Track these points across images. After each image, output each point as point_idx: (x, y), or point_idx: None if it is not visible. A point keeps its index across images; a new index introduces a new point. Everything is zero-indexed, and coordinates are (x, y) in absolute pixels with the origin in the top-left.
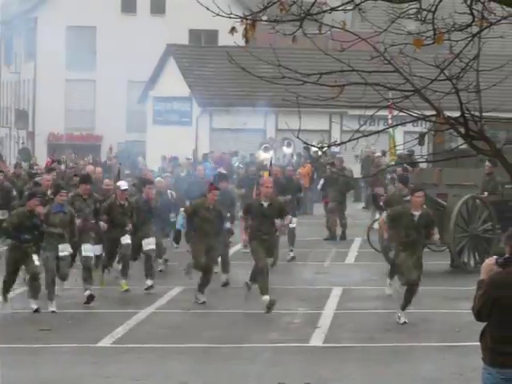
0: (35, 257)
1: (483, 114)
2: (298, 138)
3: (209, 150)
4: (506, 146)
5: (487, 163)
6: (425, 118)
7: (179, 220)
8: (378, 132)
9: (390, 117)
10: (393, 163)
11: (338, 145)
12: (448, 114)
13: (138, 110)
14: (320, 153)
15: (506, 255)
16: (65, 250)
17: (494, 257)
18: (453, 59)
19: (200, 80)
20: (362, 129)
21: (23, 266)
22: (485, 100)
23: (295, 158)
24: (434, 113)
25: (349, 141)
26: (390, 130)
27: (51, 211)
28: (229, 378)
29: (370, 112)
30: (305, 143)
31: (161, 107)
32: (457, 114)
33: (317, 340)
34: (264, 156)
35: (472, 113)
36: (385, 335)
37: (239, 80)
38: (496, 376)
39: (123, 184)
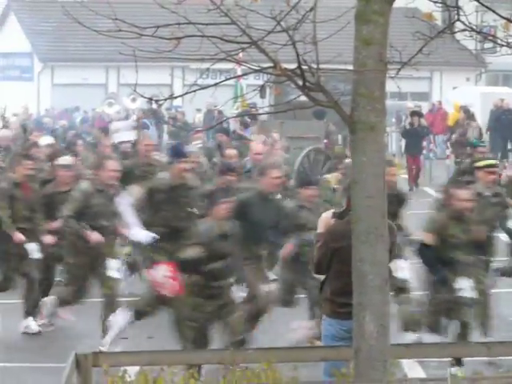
0: None
1: (320, 65)
2: (135, 91)
3: (50, 105)
4: (345, 98)
5: None
6: (262, 70)
7: None
8: (214, 85)
9: (239, 70)
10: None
11: (174, 98)
12: (286, 66)
13: None
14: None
15: (344, 207)
16: None
17: (331, 210)
18: (289, 11)
19: (41, 35)
20: (202, 82)
21: None
22: (322, 52)
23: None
24: (271, 65)
25: (185, 94)
26: (238, 82)
27: None
28: None
29: (210, 65)
30: (142, 96)
31: (2, 63)
32: (295, 65)
33: None
34: (109, 111)
35: (309, 64)
36: None
37: (80, 35)
38: (336, 327)
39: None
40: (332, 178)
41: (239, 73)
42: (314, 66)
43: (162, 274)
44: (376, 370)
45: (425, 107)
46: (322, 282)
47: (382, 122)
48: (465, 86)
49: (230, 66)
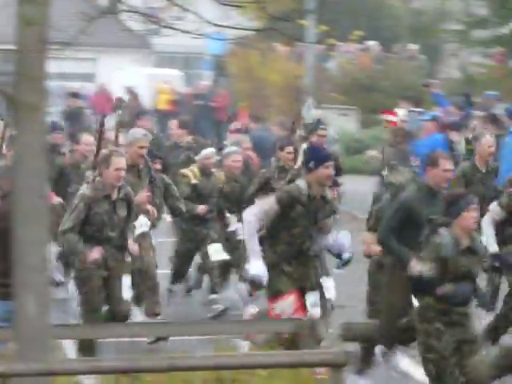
0: None
1: None
2: None
3: None
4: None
5: None
6: None
7: None
8: None
9: None
10: None
11: None
12: None
13: None
14: None
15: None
16: None
17: None
18: None
19: None
20: None
21: None
22: None
23: None
24: None
25: None
26: None
27: None
28: None
29: None
30: None
31: None
32: None
33: None
34: None
35: None
36: None
37: None
38: None
39: None
40: (219, 175)
41: None
42: None
43: (291, 308)
44: (36, 350)
45: (90, 88)
46: None
47: (42, 103)
48: (131, 68)
49: None
